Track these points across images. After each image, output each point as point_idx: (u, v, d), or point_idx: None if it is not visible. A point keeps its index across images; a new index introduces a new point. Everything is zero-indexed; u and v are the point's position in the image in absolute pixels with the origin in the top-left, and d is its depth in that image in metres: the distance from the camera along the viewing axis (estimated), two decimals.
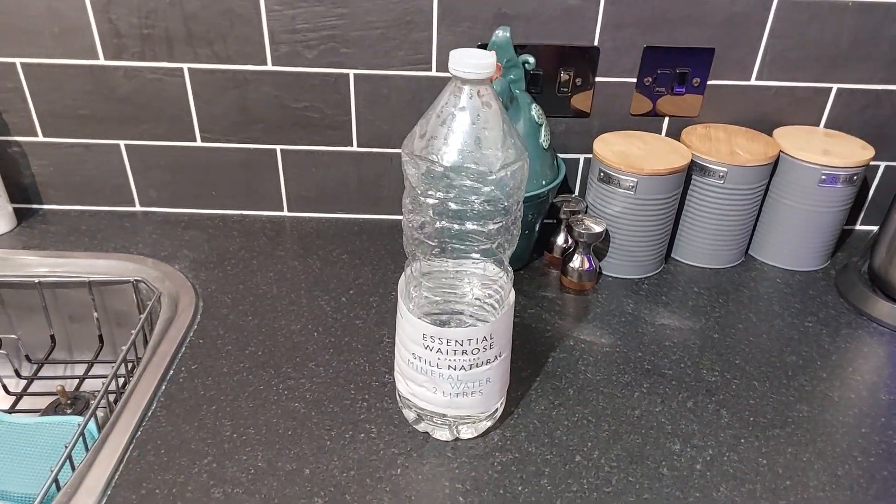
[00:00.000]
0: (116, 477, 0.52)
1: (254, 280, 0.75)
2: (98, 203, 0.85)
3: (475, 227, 0.46)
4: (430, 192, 0.45)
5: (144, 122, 0.80)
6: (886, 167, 0.84)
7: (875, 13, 0.75)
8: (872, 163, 0.83)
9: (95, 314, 0.75)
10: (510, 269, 0.53)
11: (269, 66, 0.77)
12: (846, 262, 0.79)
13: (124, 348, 0.63)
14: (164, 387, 0.60)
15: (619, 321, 0.71)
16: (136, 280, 0.73)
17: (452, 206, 0.45)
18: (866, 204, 0.86)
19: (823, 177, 0.73)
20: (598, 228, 0.72)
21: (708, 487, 0.53)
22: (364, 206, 0.87)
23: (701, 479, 0.54)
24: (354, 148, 0.82)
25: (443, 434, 0.56)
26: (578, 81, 0.78)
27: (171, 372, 0.62)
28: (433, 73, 0.77)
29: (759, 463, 0.55)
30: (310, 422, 0.58)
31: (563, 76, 0.77)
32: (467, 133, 0.44)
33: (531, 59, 0.70)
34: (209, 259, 0.78)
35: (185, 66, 0.77)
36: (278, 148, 0.82)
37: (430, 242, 0.47)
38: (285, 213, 0.87)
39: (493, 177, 0.45)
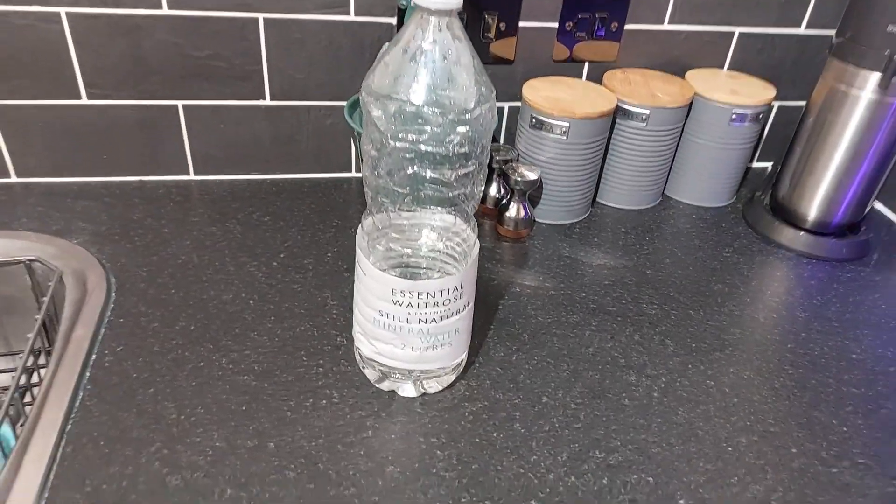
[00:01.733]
0: (52, 478, 0.45)
1: (168, 249, 0.68)
2: None
3: (448, 170, 0.44)
4: (399, 135, 0.42)
5: (15, 77, 0.69)
6: (780, 106, 0.90)
7: None
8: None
9: None
10: (474, 219, 0.51)
11: (165, 10, 0.68)
12: (750, 195, 0.85)
13: (30, 336, 0.55)
14: (88, 373, 0.53)
15: (559, 265, 0.72)
16: (28, 259, 0.63)
17: (424, 148, 0.43)
18: (762, 142, 0.93)
19: (734, 116, 0.78)
20: (533, 176, 0.72)
21: (667, 412, 0.56)
22: (281, 165, 0.81)
23: (659, 405, 0.56)
24: (267, 101, 0.76)
25: (408, 390, 0.54)
26: (502, 27, 0.76)
27: (94, 356, 0.54)
28: (352, 17, 0.73)
29: (708, 385, 0.59)
30: (264, 394, 0.53)
31: (487, 20, 0.75)
32: (439, 69, 0.41)
33: None
34: (111, 230, 0.69)
35: (63, 11, 0.66)
36: (180, 104, 0.74)
37: (400, 190, 0.45)
38: (192, 176, 0.79)
39: (468, 116, 0.42)
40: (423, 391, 0.55)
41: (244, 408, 0.52)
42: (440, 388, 0.55)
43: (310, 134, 0.79)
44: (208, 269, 0.66)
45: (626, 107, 0.76)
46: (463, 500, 0.47)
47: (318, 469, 0.48)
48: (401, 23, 0.73)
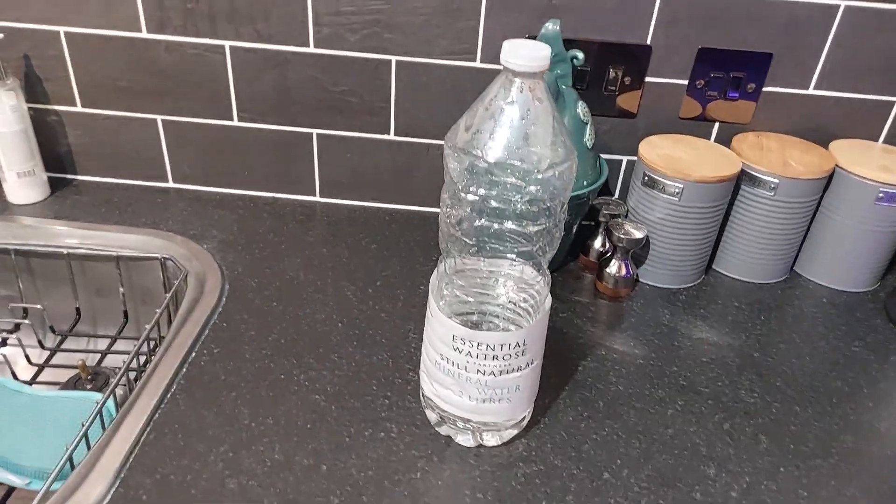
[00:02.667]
0: (131, 460, 0.51)
1: (281, 265, 0.73)
2: (131, 177, 0.85)
3: (515, 227, 0.44)
4: (471, 188, 0.43)
5: (182, 97, 0.79)
6: None
7: None
8: None
9: (121, 289, 0.74)
10: (548, 273, 0.50)
11: (311, 48, 0.75)
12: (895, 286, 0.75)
13: (148, 326, 0.62)
14: (184, 369, 0.59)
15: (655, 332, 0.68)
16: (163, 257, 0.72)
17: (493, 203, 0.43)
18: None
19: (881, 195, 0.69)
20: (638, 234, 0.69)
21: None
22: (396, 196, 0.85)
23: None
24: (391, 136, 0.80)
25: (465, 439, 0.54)
26: (627, 80, 0.74)
27: (193, 354, 0.61)
28: (477, 63, 0.75)
29: (799, 494, 0.53)
30: (329, 416, 0.56)
31: (612, 74, 0.74)
32: (515, 128, 0.42)
33: (580, 55, 0.67)
34: (237, 240, 0.77)
35: (227, 44, 0.75)
36: (314, 132, 0.81)
37: (467, 240, 0.45)
38: (317, 198, 0.85)
39: (540, 176, 0.42)
40: (481, 442, 0.54)
41: (309, 426, 0.55)
42: (498, 442, 0.55)
43: (426, 170, 0.82)
44: (310, 288, 0.70)
45: (753, 173, 0.71)
46: None
47: (361, 501, 0.49)
48: None
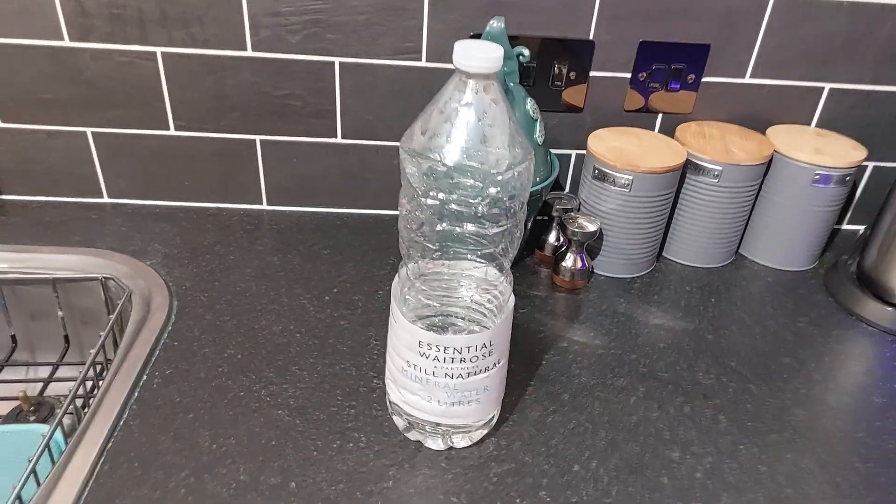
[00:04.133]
0: (86, 494, 0.48)
1: (230, 277, 0.71)
2: (63, 194, 0.80)
3: (477, 229, 0.44)
4: (430, 192, 0.43)
5: (113, 108, 0.75)
6: (875, 167, 0.83)
7: (867, 13, 0.74)
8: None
9: (60, 313, 0.70)
10: (510, 273, 0.50)
11: (249, 52, 0.73)
12: (834, 261, 0.79)
13: (92, 351, 0.59)
14: (136, 393, 0.56)
15: (612, 322, 0.69)
16: (104, 277, 0.69)
17: (454, 207, 0.43)
18: (853, 203, 0.86)
19: (816, 177, 0.72)
20: (592, 227, 0.70)
21: (710, 498, 0.52)
22: (347, 200, 0.83)
23: (702, 489, 0.53)
24: (338, 139, 0.79)
25: (435, 443, 0.54)
26: (572, 76, 0.75)
27: (145, 377, 0.58)
28: (423, 63, 0.74)
29: (760, 471, 0.54)
30: (294, 430, 0.55)
31: (557, 69, 0.74)
32: (473, 130, 0.41)
33: (526, 52, 0.67)
34: (182, 254, 0.74)
35: (159, 50, 0.72)
36: (257, 138, 0.78)
37: (429, 245, 0.45)
38: (264, 206, 0.83)
39: (500, 178, 0.42)
40: (451, 445, 0.54)
41: (273, 443, 0.53)
42: (469, 443, 0.54)
43: (377, 172, 0.81)
44: (263, 299, 0.68)
45: (697, 162, 0.72)
46: None
47: None
48: None
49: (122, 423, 0.54)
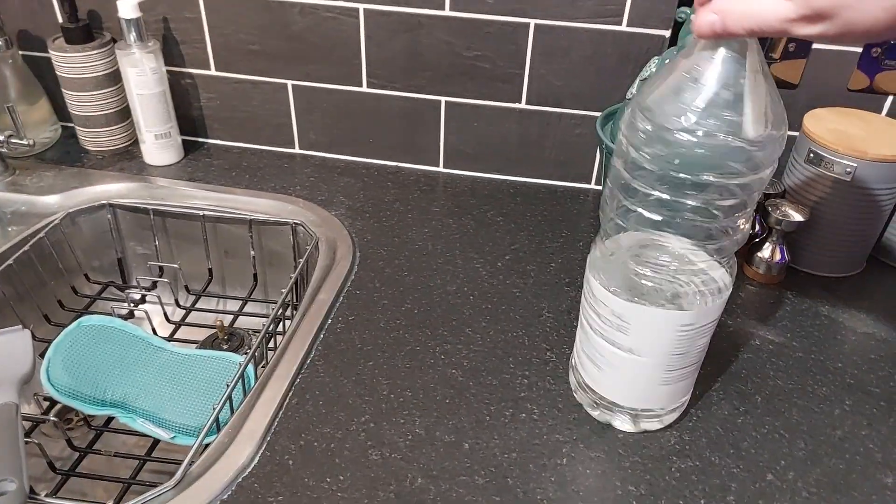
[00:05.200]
0: (276, 424, 0.51)
1: (408, 234, 0.72)
2: (259, 142, 0.85)
3: (709, 202, 0.40)
4: (662, 158, 0.39)
5: (314, 61, 0.78)
6: None
7: None
8: None
9: (252, 252, 0.75)
10: (735, 260, 0.46)
11: (446, 11, 0.72)
12: None
13: (284, 290, 0.62)
14: (322, 336, 0.59)
15: (813, 324, 0.62)
16: (294, 222, 0.72)
17: (686, 174, 0.39)
18: None
19: None
20: (798, 217, 0.63)
21: None
22: (522, 168, 0.81)
23: None
24: (522, 105, 0.77)
25: (623, 423, 0.51)
26: (791, 47, 0.67)
27: (329, 321, 0.60)
28: (622, 27, 0.70)
29: None
30: (468, 392, 0.54)
31: (774, 39, 0.67)
32: (722, 95, 0.37)
33: None
34: (364, 208, 0.76)
35: (361, 7, 0.73)
36: (443, 100, 0.78)
37: (649, 215, 0.41)
38: (440, 168, 0.83)
39: (748, 147, 0.38)
40: (643, 429, 0.51)
41: (448, 401, 0.53)
42: (660, 426, 0.51)
43: (556, 141, 0.78)
44: (439, 259, 0.69)
45: None
46: None
47: (507, 483, 0.47)
48: (675, 36, 0.69)
49: (308, 361, 0.56)
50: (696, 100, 0.37)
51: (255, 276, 0.76)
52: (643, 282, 0.45)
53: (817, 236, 0.66)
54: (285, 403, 0.52)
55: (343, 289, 0.64)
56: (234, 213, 0.73)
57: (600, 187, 0.82)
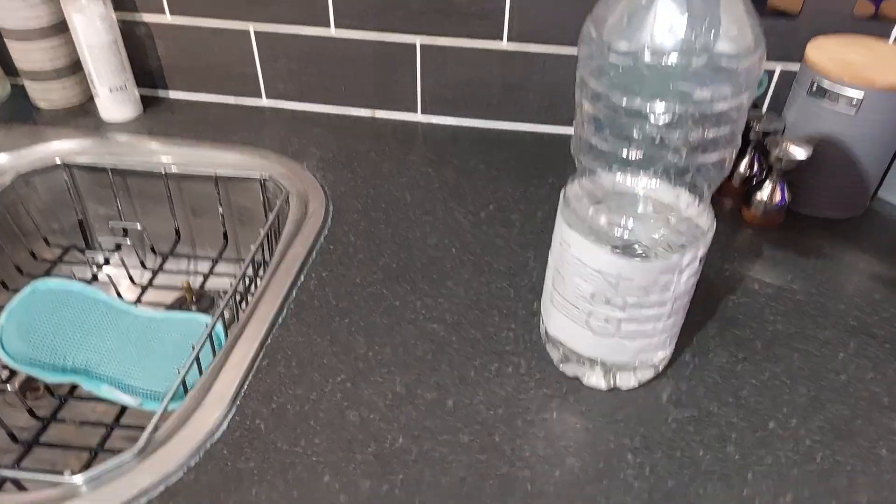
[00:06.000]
0: (246, 386, 0.47)
1: (385, 185, 0.68)
2: (224, 92, 0.80)
3: (687, 134, 0.36)
4: (633, 88, 0.35)
5: (276, 3, 0.72)
6: None
7: None
8: None
9: (220, 210, 0.71)
10: (709, 203, 0.42)
11: None
12: None
13: (253, 247, 0.58)
14: (294, 293, 0.55)
15: (815, 266, 0.59)
16: (263, 177, 0.68)
17: (661, 105, 0.35)
18: None
19: None
20: (801, 154, 0.59)
21: None
22: (505, 113, 0.77)
23: None
24: (503, 43, 0.72)
25: (596, 379, 0.48)
26: None
27: (302, 278, 0.56)
28: None
29: None
30: (450, 347, 0.51)
31: None
32: (696, 11, 0.33)
33: None
34: (337, 159, 0.71)
35: None
36: (417, 41, 0.73)
37: (620, 154, 0.38)
38: (418, 115, 0.79)
39: (727, 65, 0.34)
40: (614, 384, 0.48)
41: (429, 357, 0.50)
42: (635, 384, 0.48)
43: (540, 85, 0.74)
44: (418, 210, 0.65)
45: None
46: None
47: (493, 441, 0.44)
48: None
49: (280, 320, 0.52)
50: (665, 16, 0.33)
51: (224, 234, 0.72)
52: (613, 226, 0.41)
53: (819, 176, 0.62)
54: (256, 365, 0.49)
55: (316, 244, 0.60)
56: (198, 170, 0.69)
57: None
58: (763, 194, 0.62)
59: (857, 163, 0.61)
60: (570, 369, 0.49)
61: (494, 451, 0.44)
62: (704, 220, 0.42)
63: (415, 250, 0.60)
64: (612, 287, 0.41)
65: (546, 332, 0.49)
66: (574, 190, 0.43)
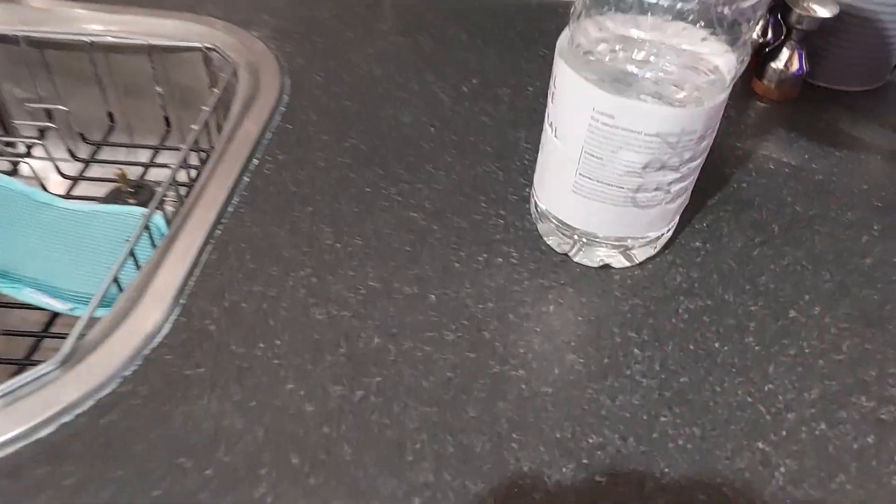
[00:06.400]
0: (192, 283, 0.40)
1: (349, 55, 0.58)
2: None
3: None
4: None
5: None
6: None
7: None
8: None
9: (158, 88, 0.61)
10: (747, 45, 0.35)
11: None
12: None
13: (195, 126, 0.49)
14: (246, 178, 0.47)
15: (834, 143, 0.53)
16: (206, 47, 0.58)
17: None
18: None
19: None
20: (825, 11, 0.52)
21: None
22: None
23: None
24: None
25: (586, 256, 0.42)
26: None
27: (255, 161, 0.48)
28: None
29: None
30: (432, 237, 0.44)
31: None
32: None
33: None
34: (294, 28, 0.61)
35: None
36: None
37: None
38: None
39: None
40: (602, 261, 0.42)
41: (408, 248, 0.43)
42: (625, 263, 0.42)
43: None
44: (389, 84, 0.56)
45: None
46: (663, 418, 0.36)
47: (483, 338, 0.39)
48: None
49: (231, 209, 0.45)
50: None
51: (166, 119, 0.63)
52: (627, 68, 0.34)
53: (839, 42, 0.55)
54: (202, 259, 0.41)
55: (271, 122, 0.51)
56: (128, 39, 0.58)
57: None
58: (779, 63, 0.55)
59: (882, 29, 0.54)
60: (554, 242, 0.43)
61: (485, 349, 0.38)
62: (732, 62, 0.35)
63: (387, 129, 0.52)
64: (670, 148, 0.34)
65: (535, 202, 0.43)
66: (578, 27, 0.35)
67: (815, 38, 0.55)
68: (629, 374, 0.37)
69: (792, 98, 0.57)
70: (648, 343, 0.39)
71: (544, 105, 0.39)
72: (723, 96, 0.35)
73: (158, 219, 0.45)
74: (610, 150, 0.35)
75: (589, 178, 0.37)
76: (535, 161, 0.50)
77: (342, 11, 0.64)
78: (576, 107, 0.36)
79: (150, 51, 0.59)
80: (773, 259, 0.44)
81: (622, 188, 0.37)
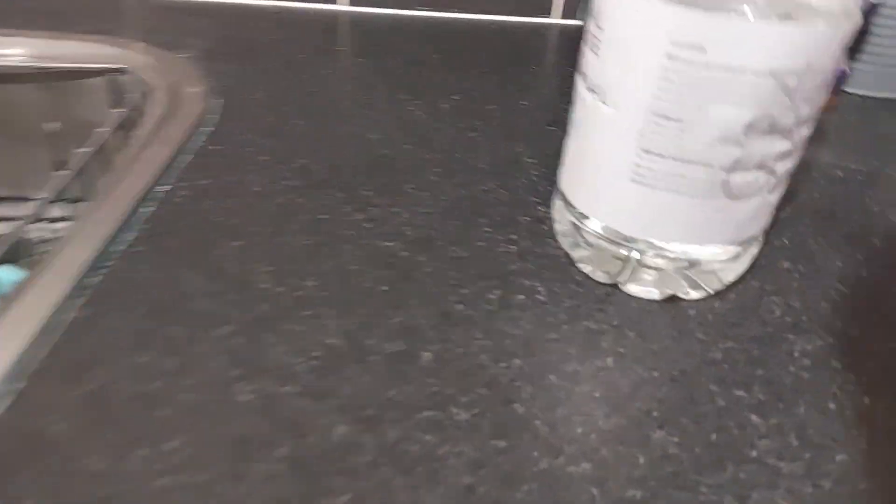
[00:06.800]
0: (40, 357, 0.25)
1: (301, 76, 0.47)
2: None
3: None
4: None
5: None
6: None
7: None
8: None
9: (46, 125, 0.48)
10: None
11: None
12: None
13: (78, 151, 0.36)
14: (146, 209, 0.33)
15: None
16: (115, 68, 0.45)
17: None
18: None
19: None
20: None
21: None
22: (460, 2, 0.58)
23: None
24: None
25: (643, 287, 0.29)
26: None
27: (164, 188, 0.34)
28: None
29: None
30: (419, 271, 0.31)
31: None
32: None
33: None
34: (230, 49, 0.49)
35: None
36: None
37: None
38: (344, 6, 0.58)
39: None
40: (672, 292, 0.29)
41: (385, 288, 0.30)
42: (709, 292, 0.29)
43: None
44: (349, 102, 0.44)
45: None
46: None
47: (514, 413, 0.24)
48: None
49: (120, 248, 0.30)
50: None
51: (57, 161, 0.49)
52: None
53: (879, 45, 0.46)
54: (64, 319, 0.27)
55: (189, 143, 0.38)
56: (12, 62, 0.46)
57: (567, 21, 0.59)
58: None
59: None
60: (584, 265, 0.30)
61: (520, 432, 0.24)
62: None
63: (350, 148, 0.39)
64: (786, 97, 0.22)
65: (563, 199, 0.30)
66: None
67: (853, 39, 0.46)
68: (755, 455, 0.23)
69: (833, 107, 0.47)
70: (768, 405, 0.25)
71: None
72: (857, 16, 0.24)
73: (6, 273, 0.30)
74: (695, 106, 0.23)
75: (659, 156, 0.25)
76: (543, 177, 0.37)
77: (290, 34, 0.53)
78: (640, 45, 0.23)
79: (45, 78, 0.46)
80: (893, 279, 0.32)
81: (711, 166, 0.24)
